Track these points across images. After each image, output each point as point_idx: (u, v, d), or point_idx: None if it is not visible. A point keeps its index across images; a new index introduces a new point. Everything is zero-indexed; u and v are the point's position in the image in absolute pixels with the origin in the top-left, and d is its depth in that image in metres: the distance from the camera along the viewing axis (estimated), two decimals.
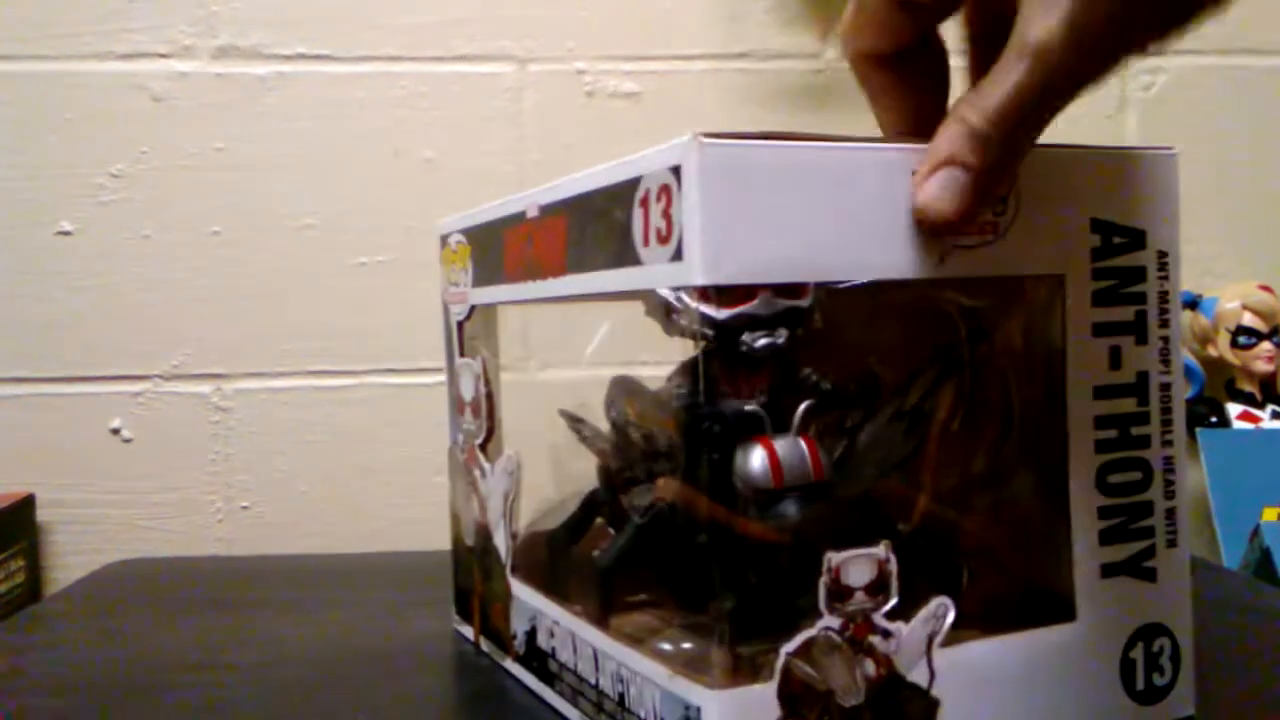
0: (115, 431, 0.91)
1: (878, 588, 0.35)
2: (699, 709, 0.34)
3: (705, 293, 0.41)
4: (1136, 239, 0.39)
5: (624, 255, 0.38)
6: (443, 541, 0.91)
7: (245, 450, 0.91)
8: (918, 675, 0.36)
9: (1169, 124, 0.95)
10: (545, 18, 0.92)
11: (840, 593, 0.34)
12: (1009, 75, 0.32)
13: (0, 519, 0.84)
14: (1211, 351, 0.96)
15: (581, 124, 0.92)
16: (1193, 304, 0.96)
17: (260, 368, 0.91)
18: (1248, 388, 0.97)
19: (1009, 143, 0.33)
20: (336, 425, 0.92)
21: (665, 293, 0.42)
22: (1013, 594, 0.42)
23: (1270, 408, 0.96)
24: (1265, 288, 0.96)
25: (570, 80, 0.92)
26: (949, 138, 0.33)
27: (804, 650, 0.34)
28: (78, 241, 0.90)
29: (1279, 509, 0.85)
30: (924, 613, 0.36)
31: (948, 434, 0.43)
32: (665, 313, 0.42)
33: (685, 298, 0.41)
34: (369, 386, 0.92)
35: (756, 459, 0.40)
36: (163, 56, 0.90)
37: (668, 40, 0.93)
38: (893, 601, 0.35)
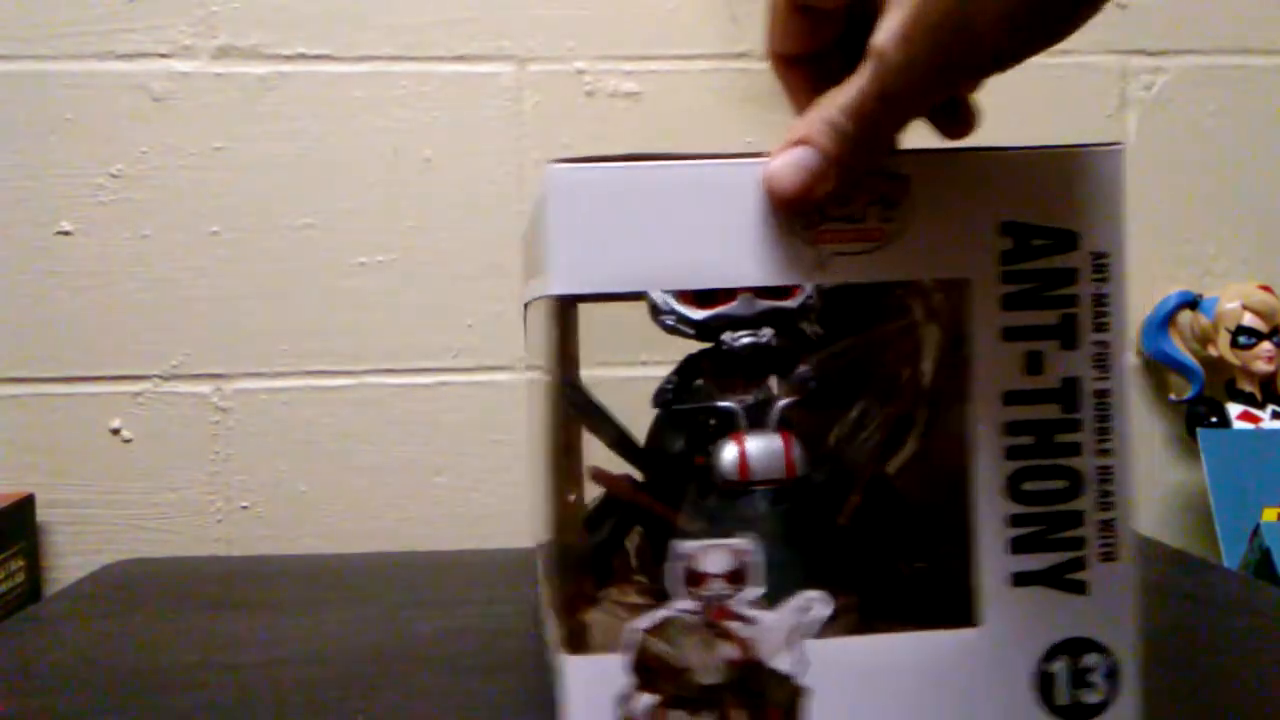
0: (115, 431, 0.91)
1: (737, 577, 0.37)
2: (562, 672, 0.37)
3: (685, 294, 0.43)
4: (1064, 240, 0.38)
5: (541, 264, 0.41)
6: (441, 542, 0.91)
7: (245, 450, 0.91)
8: (785, 663, 0.37)
9: (1169, 124, 0.95)
10: (545, 18, 0.92)
11: (696, 578, 0.37)
12: (860, 75, 0.34)
13: (0, 519, 0.84)
14: (1211, 351, 0.96)
15: (581, 124, 0.92)
16: (1193, 304, 0.96)
17: (260, 368, 0.91)
18: (1248, 388, 0.97)
19: (860, 137, 0.35)
20: (336, 425, 0.92)
21: (655, 295, 0.44)
22: (933, 594, 0.42)
23: (1270, 408, 0.96)
24: (1265, 288, 0.96)
25: (570, 80, 0.92)
26: (807, 121, 0.35)
27: (659, 628, 0.36)
28: (78, 241, 0.90)
29: (1279, 509, 0.85)
30: (792, 604, 0.37)
31: (896, 434, 0.44)
32: (655, 313, 0.45)
33: (670, 300, 0.44)
34: (369, 386, 0.92)
35: (728, 454, 0.42)
36: (163, 56, 0.90)
37: (668, 40, 0.93)
38: (754, 590, 0.37)
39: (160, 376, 0.91)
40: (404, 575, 0.73)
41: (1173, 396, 0.98)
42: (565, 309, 0.44)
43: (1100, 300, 0.38)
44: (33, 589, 0.87)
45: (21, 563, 0.85)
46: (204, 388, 0.91)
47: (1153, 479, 0.99)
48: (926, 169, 0.37)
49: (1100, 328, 0.38)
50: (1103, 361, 0.38)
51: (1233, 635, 0.55)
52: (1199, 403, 0.96)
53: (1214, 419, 0.95)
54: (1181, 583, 0.69)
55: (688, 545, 0.37)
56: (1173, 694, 0.45)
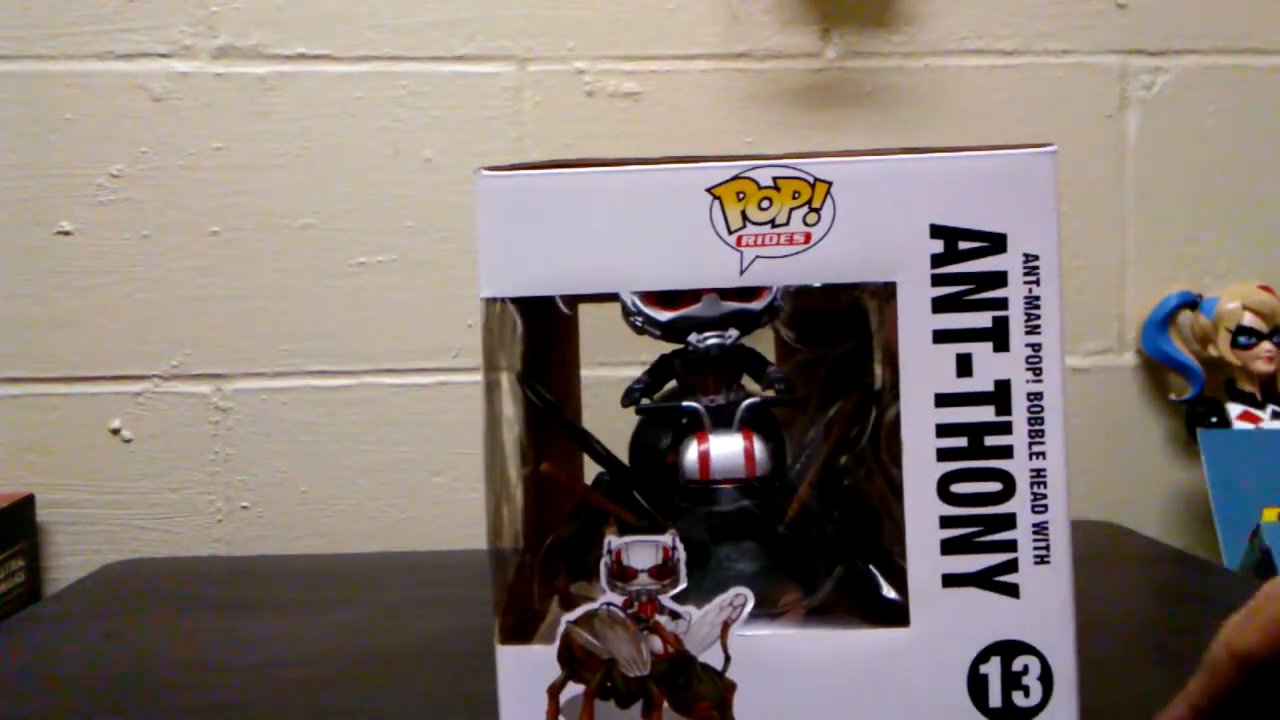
0: (115, 431, 0.91)
1: (663, 572, 0.38)
2: (497, 662, 0.40)
3: (650, 296, 0.44)
4: (995, 243, 0.38)
5: None
6: (441, 542, 0.91)
7: (245, 450, 0.91)
8: (712, 658, 0.38)
9: (1169, 124, 0.95)
10: (545, 18, 0.92)
11: (623, 573, 0.38)
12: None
13: (0, 519, 0.84)
14: (1211, 351, 0.96)
15: (581, 124, 0.92)
16: (1193, 304, 0.96)
17: (260, 368, 0.91)
18: (1248, 388, 0.97)
19: None
20: (336, 425, 0.92)
21: (625, 297, 0.45)
22: (875, 593, 0.43)
23: (1270, 408, 0.96)
24: (1265, 288, 0.96)
25: (570, 80, 0.92)
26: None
27: (585, 621, 0.38)
28: (78, 241, 0.90)
29: (1279, 509, 0.85)
30: (719, 600, 0.38)
31: (845, 437, 0.45)
32: (625, 314, 0.46)
33: (637, 301, 0.45)
34: (368, 386, 0.92)
35: (689, 454, 0.44)
36: (163, 56, 0.90)
37: (668, 40, 0.93)
38: (679, 585, 0.38)
39: (160, 376, 0.91)
40: (404, 575, 0.73)
41: (1173, 396, 0.98)
42: (524, 310, 0.44)
43: (1032, 302, 0.38)
44: (33, 589, 0.87)
45: (21, 563, 0.85)
46: (204, 388, 0.91)
47: (1153, 479, 0.99)
48: (852, 173, 0.38)
49: (1033, 330, 0.38)
50: (1036, 364, 0.38)
51: None
52: (1199, 403, 0.96)
53: (1214, 419, 0.95)
54: (1181, 583, 0.69)
55: (615, 540, 0.38)
56: (1172, 694, 0.44)
